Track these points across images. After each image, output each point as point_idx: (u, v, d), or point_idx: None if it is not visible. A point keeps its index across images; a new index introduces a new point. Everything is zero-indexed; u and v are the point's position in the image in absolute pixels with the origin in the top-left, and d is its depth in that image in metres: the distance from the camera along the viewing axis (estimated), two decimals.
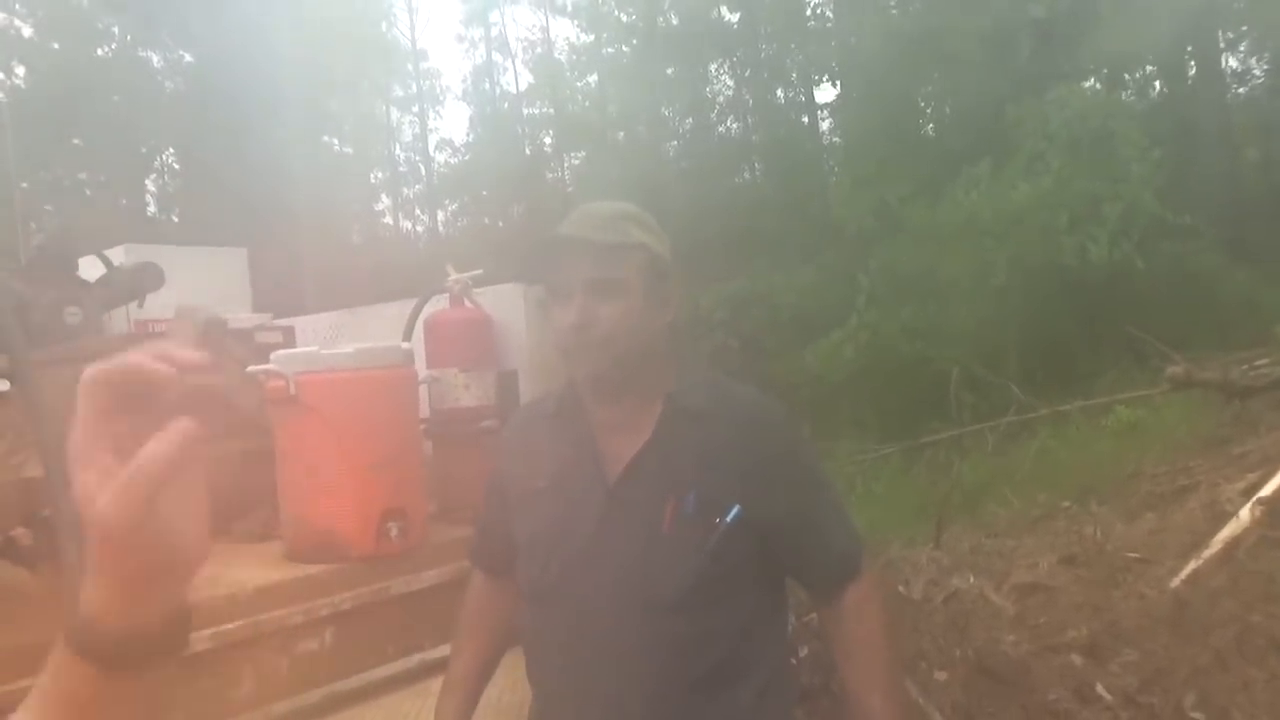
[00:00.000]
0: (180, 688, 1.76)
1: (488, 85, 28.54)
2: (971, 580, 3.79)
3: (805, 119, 19.19)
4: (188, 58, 21.19)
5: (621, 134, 21.16)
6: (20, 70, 19.87)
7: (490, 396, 2.55)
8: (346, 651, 2.05)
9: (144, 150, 21.68)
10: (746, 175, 20.01)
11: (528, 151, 25.43)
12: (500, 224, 25.06)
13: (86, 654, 0.58)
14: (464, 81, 29.67)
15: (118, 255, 3.41)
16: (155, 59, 21.53)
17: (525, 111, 26.89)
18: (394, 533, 2.12)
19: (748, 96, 20.09)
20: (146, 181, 22.57)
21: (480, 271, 2.64)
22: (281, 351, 2.17)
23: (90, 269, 2.99)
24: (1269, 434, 5.00)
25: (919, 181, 10.78)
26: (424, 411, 2.53)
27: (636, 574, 1.40)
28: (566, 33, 30.24)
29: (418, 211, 29.02)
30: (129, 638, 0.58)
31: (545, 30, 27.61)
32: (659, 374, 1.49)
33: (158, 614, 0.59)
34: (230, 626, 1.86)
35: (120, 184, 21.21)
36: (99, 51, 20.78)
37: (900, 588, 3.76)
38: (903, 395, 9.73)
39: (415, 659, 2.15)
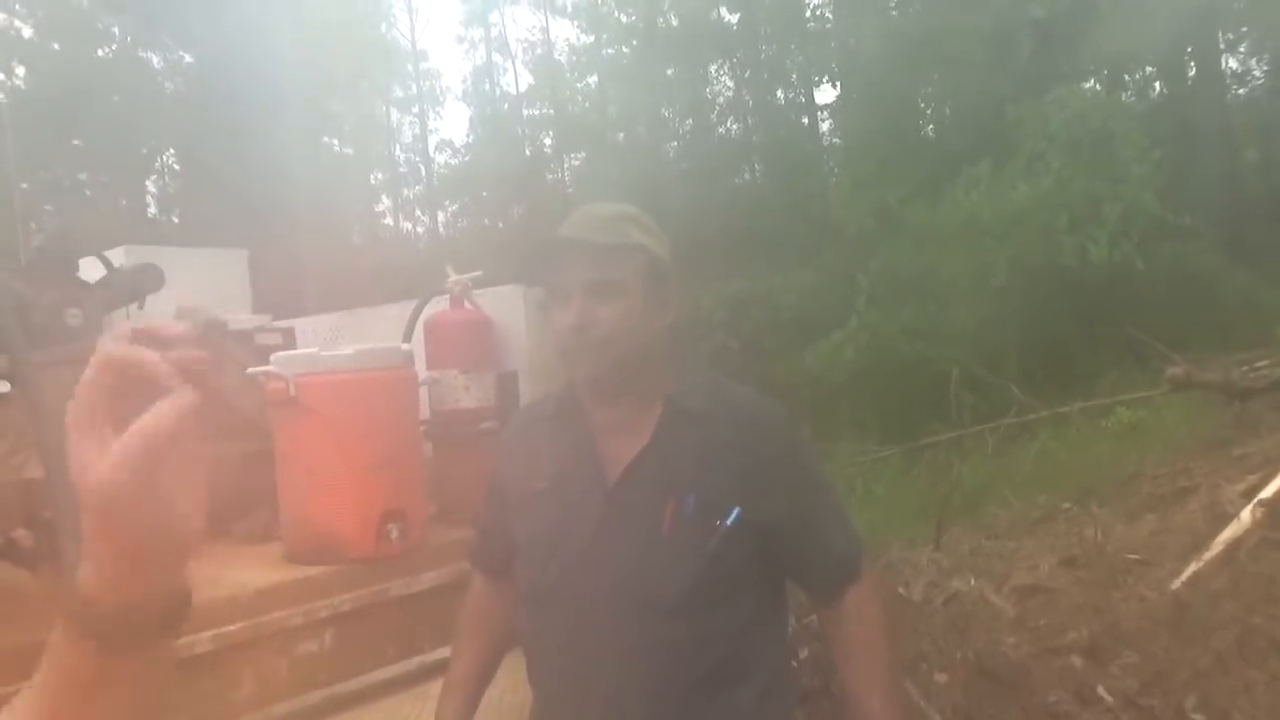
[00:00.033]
0: (181, 689, 1.76)
1: (488, 86, 28.55)
2: (972, 582, 3.79)
3: (805, 120, 19.20)
4: (188, 58, 21.19)
5: (621, 135, 21.17)
6: (20, 71, 19.89)
7: (490, 398, 2.55)
8: (346, 653, 2.05)
9: (144, 151, 21.67)
10: (746, 176, 20.01)
11: (528, 152, 25.43)
12: (500, 225, 25.06)
13: (83, 632, 0.58)
14: (464, 82, 29.68)
15: (118, 256, 3.40)
16: (155, 60, 21.54)
17: (525, 112, 26.91)
18: (394, 534, 2.12)
19: (748, 97, 20.09)
20: (147, 182, 22.58)
21: (480, 273, 2.64)
22: (281, 353, 2.18)
23: (91, 270, 2.99)
24: (1270, 435, 5.00)
25: (919, 182, 10.79)
26: (424, 413, 2.53)
27: (636, 576, 1.40)
28: (566, 34, 30.21)
29: (418, 212, 29.05)
30: (124, 614, 0.58)
31: (545, 31, 27.64)
32: (658, 376, 1.49)
33: (154, 591, 0.59)
34: (230, 628, 1.86)
35: (121, 185, 21.21)
36: (99, 52, 20.78)
37: (900, 589, 3.76)
38: (903, 396, 9.73)
39: (415, 661, 2.15)
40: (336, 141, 24.62)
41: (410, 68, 27.35)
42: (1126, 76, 14.56)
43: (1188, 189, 11.09)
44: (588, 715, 1.45)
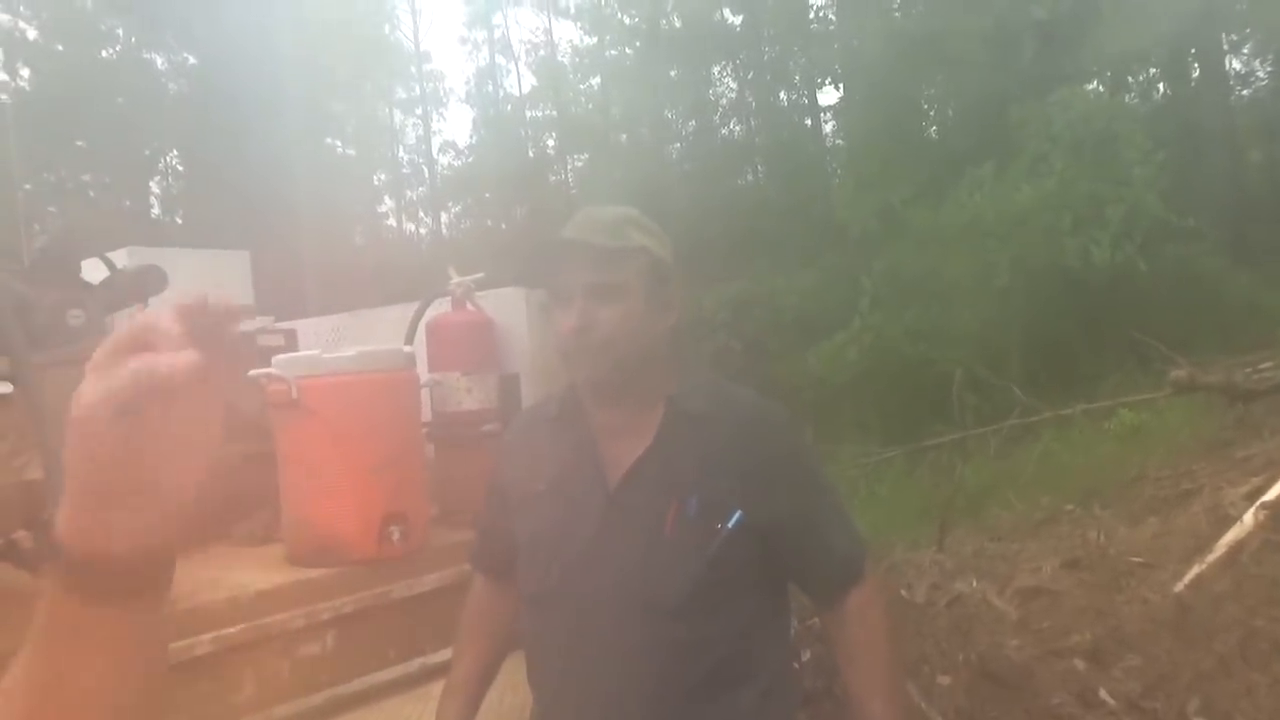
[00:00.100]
0: (181, 691, 1.76)
1: (491, 87, 28.60)
2: (974, 584, 3.78)
3: (808, 121, 19.23)
4: (191, 60, 21.23)
5: (624, 136, 21.19)
6: (25, 72, 19.93)
7: (492, 400, 2.54)
8: (348, 655, 2.05)
9: (148, 152, 21.72)
10: (749, 177, 20.04)
11: (531, 154, 25.47)
12: (503, 226, 25.09)
13: (60, 578, 0.58)
14: (467, 84, 29.78)
15: (120, 258, 3.41)
16: (159, 61, 21.58)
17: (528, 114, 26.93)
18: (395, 536, 2.12)
19: (751, 99, 20.11)
20: (150, 183, 22.63)
21: (482, 275, 2.64)
22: (283, 355, 2.17)
23: (93, 271, 2.99)
24: (1273, 438, 4.99)
25: (922, 183, 10.79)
26: (426, 415, 2.53)
27: (637, 578, 1.40)
28: (569, 35, 30.37)
29: (421, 214, 29.10)
30: (93, 563, 0.57)
31: (548, 33, 27.70)
32: (660, 378, 1.49)
33: (131, 546, 0.58)
34: (231, 630, 1.86)
35: (124, 186, 21.25)
36: (103, 54, 20.83)
37: (903, 591, 3.76)
38: (906, 398, 9.73)
39: (417, 663, 2.15)
40: (339, 143, 24.68)
41: (413, 69, 27.42)
42: (1130, 78, 14.56)
43: (1191, 190, 11.08)
44: (588, 717, 1.45)
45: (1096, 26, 10.67)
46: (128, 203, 21.13)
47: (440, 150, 29.10)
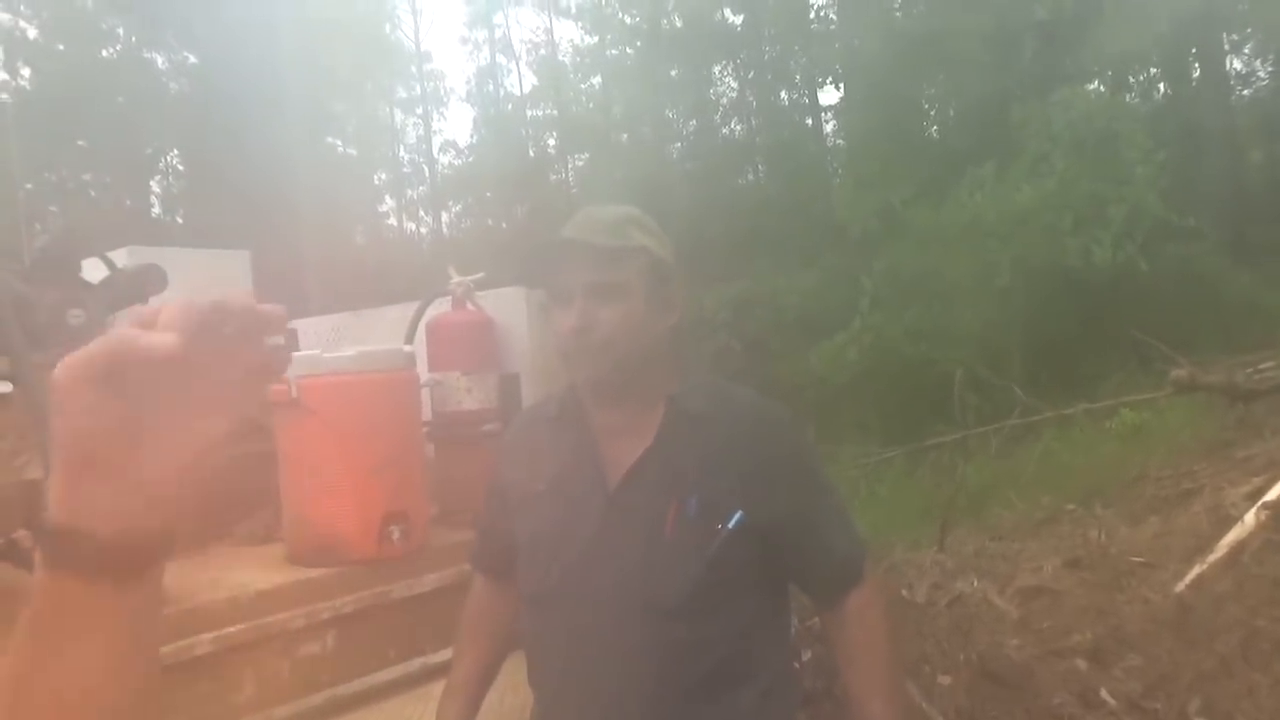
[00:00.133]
0: (181, 691, 1.76)
1: (491, 87, 28.61)
2: (975, 584, 3.78)
3: (809, 121, 19.23)
4: (192, 59, 21.21)
5: (625, 136, 21.19)
6: (25, 72, 19.92)
7: (492, 400, 2.54)
8: (348, 655, 2.05)
9: (148, 152, 21.71)
10: (750, 177, 20.03)
11: (531, 153, 25.47)
12: (504, 226, 25.08)
13: (48, 555, 0.58)
14: (468, 83, 29.79)
15: (121, 257, 3.41)
16: (160, 60, 21.57)
17: (529, 113, 26.93)
18: (396, 536, 2.12)
19: (751, 98, 20.11)
20: (151, 183, 22.63)
21: (482, 274, 2.64)
22: None
23: (94, 271, 2.99)
24: (1274, 438, 4.99)
25: (922, 183, 10.79)
26: (426, 414, 2.53)
27: (638, 578, 1.40)
28: (570, 34, 30.38)
29: (421, 213, 29.10)
30: (82, 537, 0.57)
31: (549, 32, 27.71)
32: (661, 378, 1.49)
33: (117, 523, 0.58)
34: (231, 630, 1.86)
35: (125, 185, 21.25)
36: (104, 53, 20.82)
37: (904, 591, 3.75)
38: (906, 397, 9.73)
39: (417, 662, 2.15)
40: (340, 142, 24.66)
41: (414, 69, 27.42)
42: (1131, 77, 14.57)
43: (1192, 190, 11.09)
44: (589, 717, 1.44)
45: (1097, 26, 10.67)
46: (129, 202, 21.14)
47: (441, 150, 29.15)
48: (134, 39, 20.94)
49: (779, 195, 16.95)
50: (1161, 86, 15.98)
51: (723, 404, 1.50)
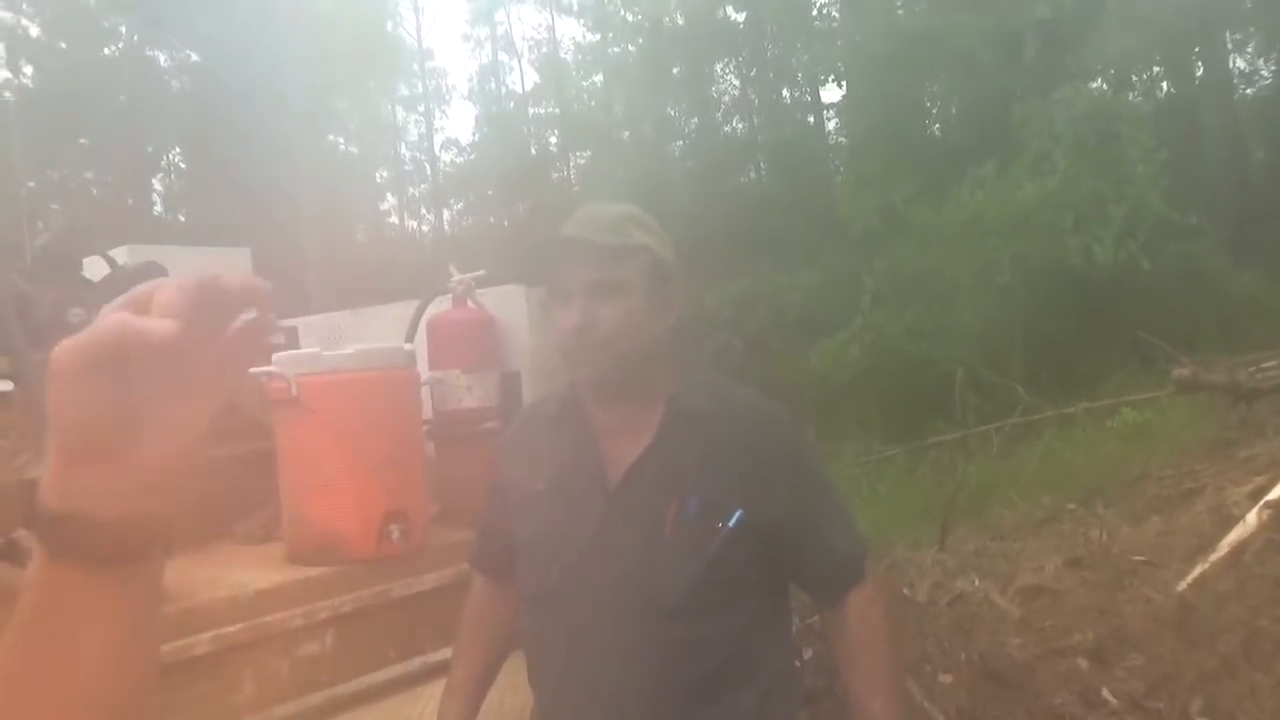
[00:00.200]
0: (180, 691, 1.75)
1: (493, 85, 28.61)
2: (976, 583, 3.77)
3: (811, 119, 19.23)
4: (194, 57, 21.22)
5: (627, 133, 21.21)
6: (28, 70, 19.94)
7: (493, 398, 2.53)
8: (348, 654, 2.05)
9: (150, 150, 21.73)
10: (751, 175, 20.04)
11: (533, 151, 25.47)
12: (506, 223, 25.08)
13: (42, 541, 0.57)
14: (470, 81, 29.75)
15: (121, 255, 3.41)
16: (162, 58, 21.59)
17: (531, 111, 26.94)
18: (395, 535, 2.11)
19: (753, 96, 20.11)
20: (153, 181, 22.66)
21: (483, 272, 2.63)
22: (283, 353, 2.17)
23: (95, 269, 2.99)
24: (1276, 437, 4.98)
25: (924, 181, 10.78)
26: (426, 413, 2.52)
27: (638, 577, 1.39)
28: (572, 32, 30.36)
29: (423, 211, 29.08)
30: (75, 521, 0.57)
31: (551, 30, 27.67)
32: (661, 376, 1.48)
33: (111, 508, 0.57)
34: (231, 629, 1.85)
35: (127, 183, 21.27)
36: (106, 51, 20.84)
37: (905, 590, 3.75)
38: (907, 396, 9.72)
39: (417, 662, 2.14)
40: (342, 140, 24.68)
41: (416, 66, 27.39)
42: (1133, 76, 14.56)
43: (1194, 189, 11.09)
44: (589, 717, 1.44)
45: (1099, 24, 10.67)
46: (130, 200, 21.16)
47: (442, 147, 29.12)
48: (136, 37, 20.96)
49: (780, 193, 16.95)
50: (1164, 85, 15.99)
51: (723, 403, 1.49)
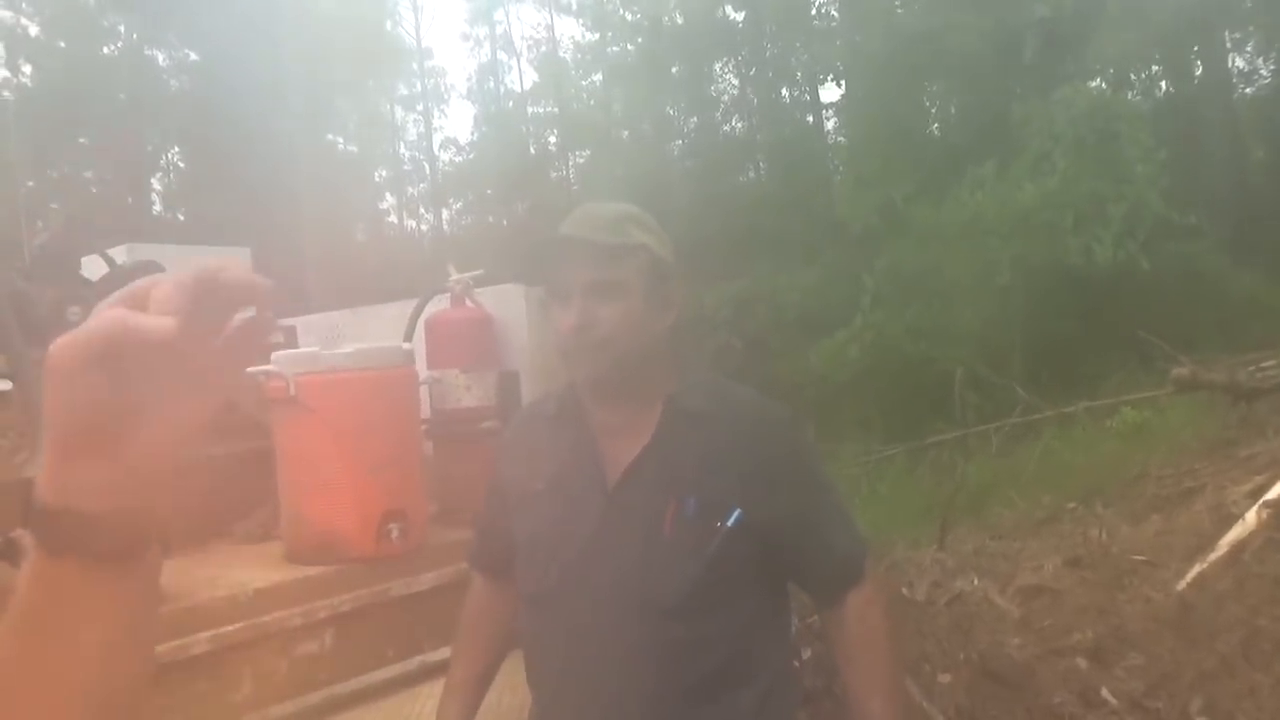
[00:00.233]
0: (179, 691, 1.75)
1: (492, 84, 28.63)
2: (976, 582, 3.77)
3: (810, 118, 19.23)
4: (193, 56, 21.23)
5: (626, 133, 21.19)
6: (27, 69, 19.94)
7: (491, 397, 2.53)
8: (346, 653, 2.04)
9: (149, 148, 21.73)
10: (751, 174, 20.04)
11: (532, 150, 25.48)
12: (505, 223, 25.08)
13: (37, 535, 0.57)
14: (469, 80, 29.79)
15: (120, 254, 3.41)
16: (161, 57, 21.60)
17: (530, 110, 26.94)
18: (394, 534, 2.11)
19: (752, 95, 20.10)
20: (152, 180, 22.64)
21: (481, 271, 2.63)
22: (282, 352, 2.16)
23: (93, 268, 2.99)
24: (1276, 436, 4.98)
25: (924, 181, 10.79)
26: (425, 412, 2.52)
27: (636, 578, 1.39)
28: (571, 31, 30.38)
29: (422, 210, 29.10)
30: (69, 516, 0.56)
31: (550, 29, 27.71)
32: (660, 376, 1.48)
33: (106, 502, 0.57)
34: (229, 628, 1.85)
35: (126, 182, 21.25)
36: (105, 50, 20.84)
37: (904, 590, 3.75)
38: (907, 396, 9.73)
39: (415, 661, 2.14)
40: (341, 139, 24.69)
41: (415, 65, 27.40)
42: (1132, 75, 14.56)
43: (1194, 188, 11.09)
44: (588, 717, 1.44)
45: (1099, 24, 10.67)
46: (130, 199, 21.13)
47: (441, 147, 29.15)
48: (135, 36, 20.96)
49: (780, 193, 16.94)
50: (1163, 84, 15.99)
51: (722, 402, 1.49)
